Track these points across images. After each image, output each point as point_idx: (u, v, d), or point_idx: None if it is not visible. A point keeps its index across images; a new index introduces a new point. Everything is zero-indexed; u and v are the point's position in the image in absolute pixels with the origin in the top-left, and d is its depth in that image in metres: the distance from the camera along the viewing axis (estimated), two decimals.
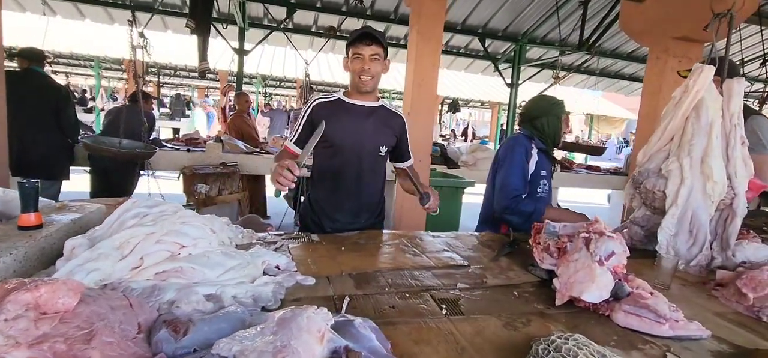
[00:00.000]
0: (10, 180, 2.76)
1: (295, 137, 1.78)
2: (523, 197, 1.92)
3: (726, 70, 1.58)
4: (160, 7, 5.59)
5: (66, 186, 3.84)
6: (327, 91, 1.90)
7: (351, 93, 1.80)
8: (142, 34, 3.23)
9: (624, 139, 26.08)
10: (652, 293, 1.11)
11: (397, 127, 1.86)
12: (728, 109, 1.49)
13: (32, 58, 3.45)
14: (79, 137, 3.70)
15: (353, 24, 7.00)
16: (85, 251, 0.94)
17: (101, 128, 4.15)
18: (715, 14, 1.57)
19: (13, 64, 3.55)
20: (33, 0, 6.23)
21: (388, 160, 1.92)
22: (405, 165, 1.94)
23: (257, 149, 4.86)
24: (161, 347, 0.73)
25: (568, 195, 7.71)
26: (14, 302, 0.65)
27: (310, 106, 1.78)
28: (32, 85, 3.32)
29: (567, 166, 6.25)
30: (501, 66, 8.18)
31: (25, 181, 1.07)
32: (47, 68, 3.72)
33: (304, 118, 1.77)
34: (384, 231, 1.82)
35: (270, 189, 5.50)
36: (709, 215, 1.51)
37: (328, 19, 6.79)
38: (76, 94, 15.38)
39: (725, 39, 1.66)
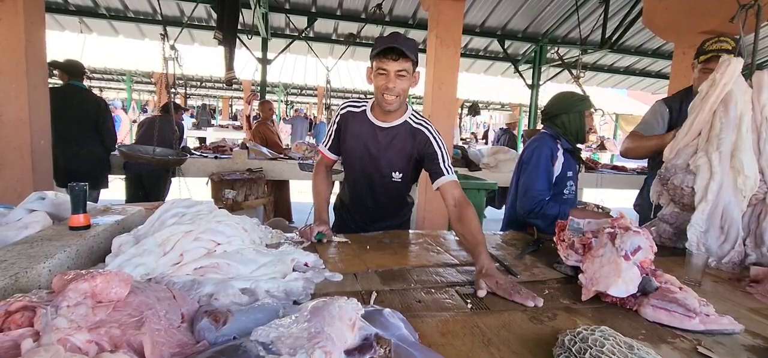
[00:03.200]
0: (54, 188, 2.93)
1: (329, 144, 1.75)
2: (548, 199, 1.90)
3: (754, 62, 1.54)
4: (187, 21, 5.82)
5: (102, 194, 4.04)
6: (358, 100, 1.74)
7: (375, 109, 1.66)
8: (173, 47, 3.38)
9: None
10: (681, 288, 1.10)
11: (419, 144, 1.63)
12: (758, 101, 1.45)
13: (72, 72, 3.65)
14: (116, 146, 3.90)
15: (372, 30, 7.10)
16: (131, 248, 1.01)
17: (135, 138, 4.35)
18: (742, 5, 1.54)
19: (53, 78, 3.73)
20: (71, 19, 6.62)
21: (412, 178, 1.77)
22: (442, 183, 1.57)
23: (281, 155, 4.97)
24: (204, 334, 0.78)
25: (594, 197, 7.52)
26: (74, 291, 0.72)
27: (338, 114, 1.73)
28: (74, 100, 3.51)
29: (592, 166, 6.12)
30: (521, 67, 8.11)
31: (75, 184, 1.15)
32: (85, 82, 3.94)
33: (335, 125, 1.73)
34: (408, 231, 1.84)
35: (294, 194, 5.62)
36: (740, 211, 1.48)
37: (347, 27, 6.90)
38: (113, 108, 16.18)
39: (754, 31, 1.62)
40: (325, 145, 1.77)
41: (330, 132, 1.75)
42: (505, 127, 7.71)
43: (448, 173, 1.58)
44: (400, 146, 1.63)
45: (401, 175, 1.68)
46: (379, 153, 1.65)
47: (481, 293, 1.12)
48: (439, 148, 1.61)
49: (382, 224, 1.82)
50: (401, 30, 7.06)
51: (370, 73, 1.56)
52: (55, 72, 3.64)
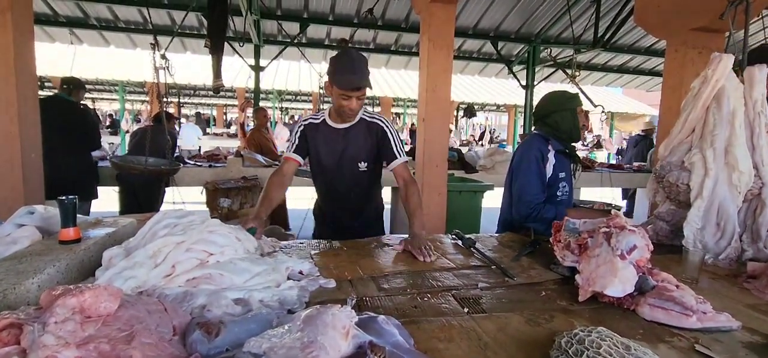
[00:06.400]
0: (43, 201, 2.90)
1: (294, 149, 1.94)
2: (543, 202, 1.88)
3: (745, 58, 1.54)
4: (178, 30, 5.80)
5: (95, 206, 4.00)
6: (315, 114, 2.02)
7: (333, 115, 1.90)
8: (164, 56, 3.36)
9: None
10: (677, 286, 1.10)
11: (377, 134, 1.89)
12: (751, 97, 1.46)
13: (80, 86, 3.70)
14: (101, 147, 3.87)
15: (365, 35, 7.11)
16: (122, 261, 1.00)
17: (127, 149, 4.32)
18: (731, 2, 1.54)
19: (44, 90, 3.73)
20: (60, 30, 6.58)
21: (379, 170, 2.00)
22: (396, 164, 1.90)
23: (276, 162, 4.95)
24: (196, 347, 0.77)
25: (591, 196, 7.54)
26: (62, 306, 0.70)
27: (301, 125, 1.96)
28: (56, 110, 3.47)
29: (588, 165, 6.13)
30: (515, 68, 8.14)
31: (64, 198, 1.13)
32: (82, 94, 3.94)
33: (298, 134, 1.95)
34: (404, 235, 1.83)
35: (291, 201, 5.58)
36: (736, 206, 1.48)
37: (340, 32, 6.90)
38: (107, 119, 16.21)
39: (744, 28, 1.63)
40: (291, 150, 1.93)
41: (293, 140, 1.94)
42: (642, 133, 7.33)
43: (400, 156, 1.88)
44: (362, 140, 1.89)
45: (366, 164, 1.91)
46: (345, 149, 1.88)
47: (399, 248, 1.56)
48: (392, 135, 1.89)
49: (357, 221, 1.98)
50: (394, 34, 7.08)
51: (329, 88, 1.77)
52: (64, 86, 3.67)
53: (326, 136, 1.90)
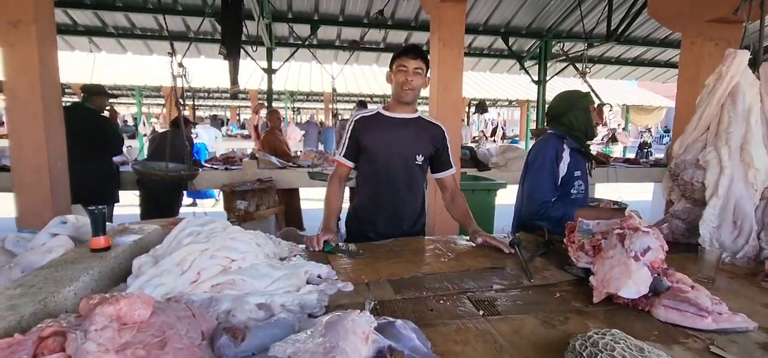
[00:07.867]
0: (71, 209, 3.00)
1: (344, 151, 1.89)
2: (553, 201, 1.89)
3: (761, 53, 1.52)
4: (193, 36, 5.91)
5: (117, 209, 4.12)
6: (367, 110, 2.01)
7: (391, 106, 1.90)
8: (181, 64, 3.44)
9: (664, 128, 24.88)
10: (692, 287, 1.10)
11: (436, 136, 1.91)
12: (767, 93, 1.44)
13: (96, 92, 3.79)
14: (123, 153, 3.94)
15: (375, 35, 7.13)
16: (151, 268, 1.05)
17: (146, 154, 4.43)
18: None
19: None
20: (80, 39, 6.77)
21: (427, 170, 1.96)
22: (446, 175, 1.95)
23: (290, 163, 5.02)
24: (224, 351, 0.81)
25: (608, 192, 7.43)
26: (101, 314, 0.75)
27: (352, 121, 1.91)
28: (77, 117, 3.57)
29: (603, 161, 6.05)
30: (527, 63, 8.06)
31: (94, 208, 1.19)
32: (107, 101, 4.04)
33: (349, 133, 1.88)
34: (419, 238, 1.86)
35: (304, 202, 5.66)
36: (753, 204, 1.47)
37: (350, 33, 6.95)
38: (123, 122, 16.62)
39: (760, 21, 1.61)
40: (341, 154, 1.89)
41: (344, 141, 1.89)
42: None
43: (453, 166, 1.97)
44: (419, 132, 1.89)
45: (422, 158, 1.89)
46: (402, 139, 1.86)
47: (479, 241, 1.66)
48: (449, 144, 1.96)
49: (403, 225, 1.90)
50: (403, 33, 7.09)
51: (390, 75, 1.85)
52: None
53: (382, 124, 1.86)
